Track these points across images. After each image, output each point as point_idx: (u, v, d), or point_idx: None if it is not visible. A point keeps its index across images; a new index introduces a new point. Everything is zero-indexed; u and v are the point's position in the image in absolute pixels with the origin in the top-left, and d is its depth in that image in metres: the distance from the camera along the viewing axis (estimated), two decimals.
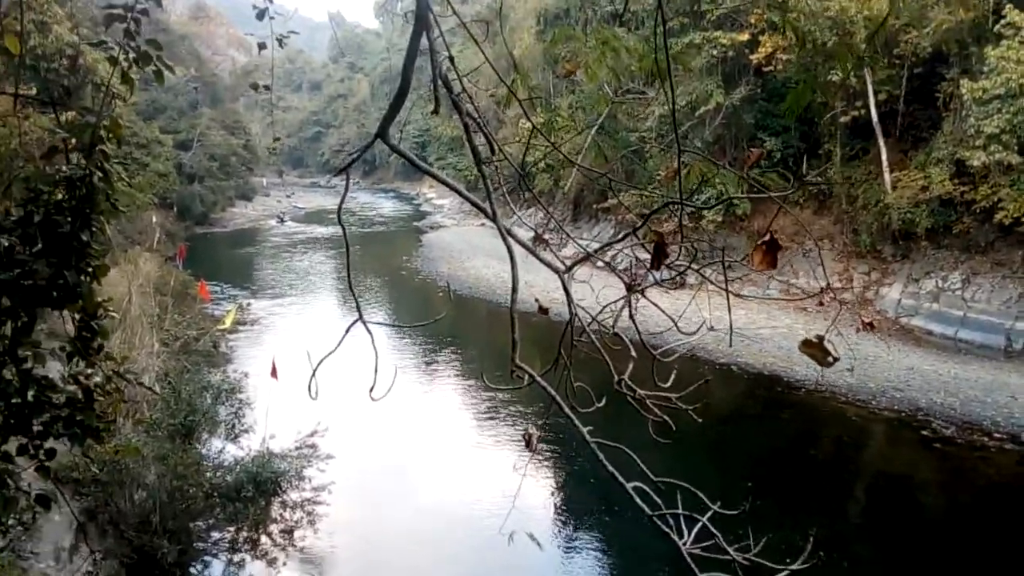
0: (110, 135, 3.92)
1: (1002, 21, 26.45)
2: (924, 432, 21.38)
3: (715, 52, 36.78)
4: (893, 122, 33.58)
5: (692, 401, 3.91)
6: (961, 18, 28.38)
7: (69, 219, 3.77)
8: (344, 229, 3.87)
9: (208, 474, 14.44)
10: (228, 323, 30.00)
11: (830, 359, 3.84)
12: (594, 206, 48.11)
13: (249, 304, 36.60)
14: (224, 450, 15.53)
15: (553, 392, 3.17)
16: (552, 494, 19.41)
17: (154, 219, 42.88)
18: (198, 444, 15.29)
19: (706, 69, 37.47)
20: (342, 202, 3.71)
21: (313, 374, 3.10)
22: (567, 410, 3.16)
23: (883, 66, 31.40)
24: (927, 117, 32.57)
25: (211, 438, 15.79)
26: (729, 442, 20.87)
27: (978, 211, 28.09)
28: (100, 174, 3.83)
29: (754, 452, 21.28)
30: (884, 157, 32.02)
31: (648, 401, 3.44)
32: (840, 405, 23.25)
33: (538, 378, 3.22)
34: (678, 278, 3.83)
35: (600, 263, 4.10)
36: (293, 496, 15.07)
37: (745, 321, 27.86)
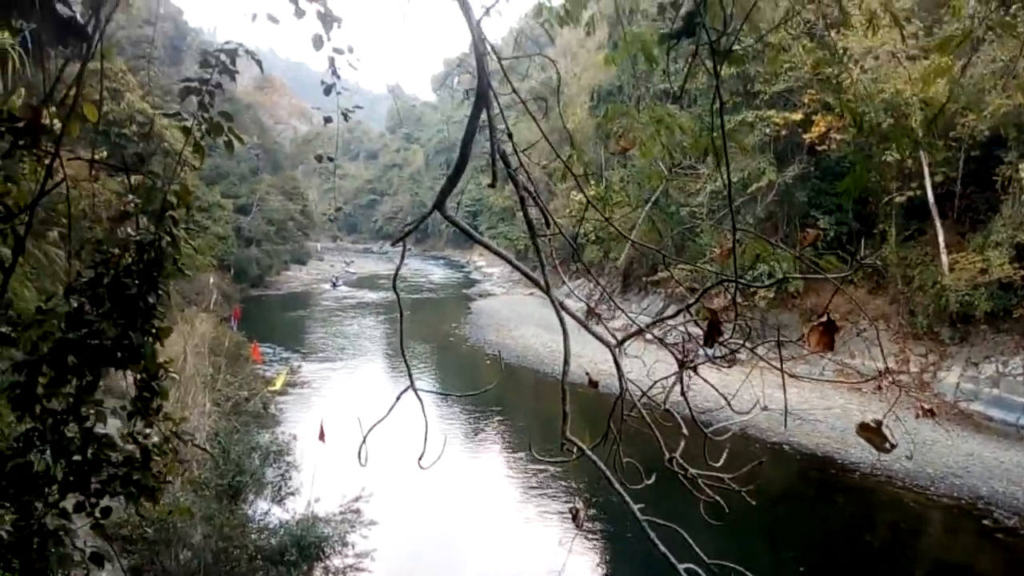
0: (179, 201, 4.09)
1: None
2: (985, 521, 20.48)
3: (768, 130, 36.93)
4: (950, 204, 33.12)
5: (744, 481, 3.83)
6: (1019, 102, 28.10)
7: (136, 282, 3.91)
8: (398, 297, 3.92)
9: (253, 536, 14.44)
10: (279, 385, 30.31)
11: (887, 445, 3.75)
12: (643, 279, 48.03)
13: (300, 366, 37.05)
14: (270, 512, 15.56)
15: (603, 467, 3.14)
16: (598, 572, 18.92)
17: (211, 280, 44.06)
18: (244, 505, 15.36)
19: (759, 146, 37.57)
20: (397, 271, 3.78)
21: (364, 441, 3.13)
22: (617, 486, 3.12)
23: (940, 148, 31.11)
24: (984, 200, 32.06)
25: (257, 499, 15.87)
26: (782, 524, 20.21)
27: None
28: (168, 239, 3.98)
29: (808, 535, 20.56)
30: (941, 238, 31.52)
31: (700, 480, 3.38)
32: (897, 490, 22.44)
33: (588, 452, 3.20)
34: (730, 356, 3.80)
35: (651, 337, 4.09)
36: (336, 562, 14.97)
37: (798, 400, 27.21)
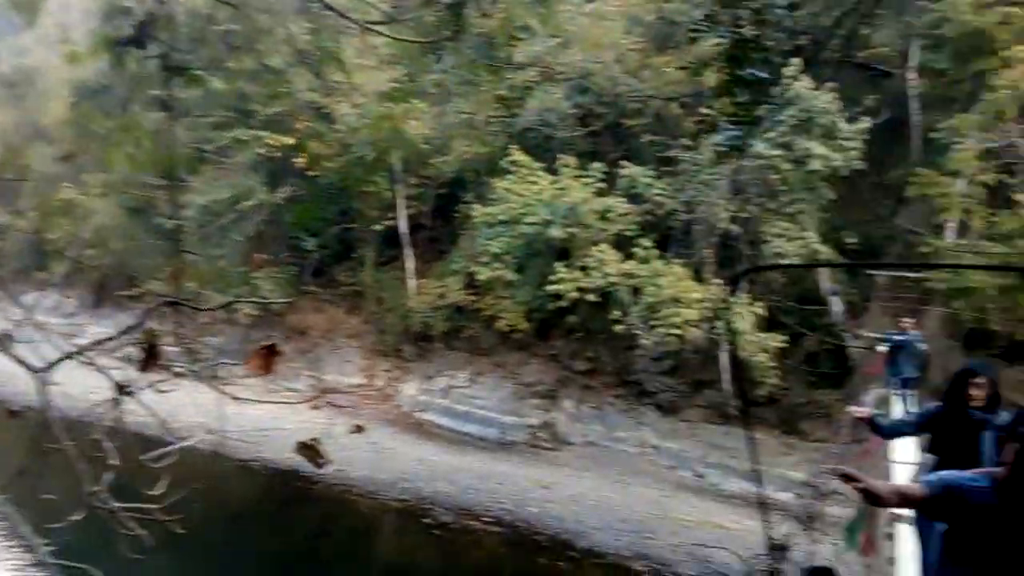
0: None
1: (508, 158, 30.77)
2: (426, 520, 22.61)
3: (262, 151, 36.88)
4: (421, 234, 36.80)
5: (192, 502, 3.82)
6: (478, 151, 32.56)
7: None
8: None
9: None
10: None
11: (320, 460, 4.11)
12: (119, 292, 44.29)
13: None
14: None
15: (11, 509, 2.86)
16: None
17: None
18: None
19: (252, 165, 37.43)
20: None
21: None
22: (23, 528, 2.88)
23: (414, 184, 34.59)
24: (448, 233, 36.17)
25: None
26: (241, 543, 20.07)
27: (484, 319, 31.72)
28: None
29: (266, 550, 20.36)
30: (410, 265, 34.86)
31: (129, 512, 3.27)
32: (354, 497, 23.69)
33: None
34: (174, 378, 3.76)
35: (89, 360, 3.84)
36: None
37: (271, 416, 26.87)
